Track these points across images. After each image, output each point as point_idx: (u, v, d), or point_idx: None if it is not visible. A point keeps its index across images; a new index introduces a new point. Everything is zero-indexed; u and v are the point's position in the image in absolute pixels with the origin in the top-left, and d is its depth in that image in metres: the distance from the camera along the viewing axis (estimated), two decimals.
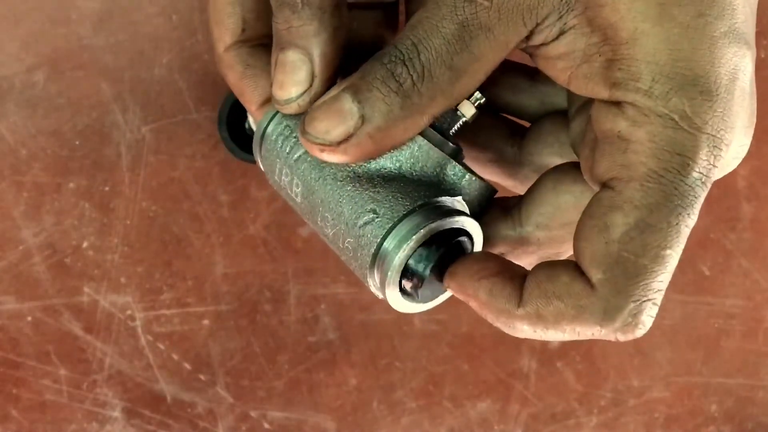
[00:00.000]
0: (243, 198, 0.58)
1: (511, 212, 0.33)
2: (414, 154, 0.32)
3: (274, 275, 0.59)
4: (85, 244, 0.57)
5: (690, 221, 0.28)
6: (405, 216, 0.30)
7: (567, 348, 0.61)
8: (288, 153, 0.33)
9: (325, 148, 0.30)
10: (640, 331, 0.28)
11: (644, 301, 0.28)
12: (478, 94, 0.32)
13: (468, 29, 0.29)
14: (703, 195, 0.28)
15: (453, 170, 0.32)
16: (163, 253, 0.58)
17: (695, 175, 0.28)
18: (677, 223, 0.28)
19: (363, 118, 0.30)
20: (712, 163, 0.28)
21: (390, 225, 0.30)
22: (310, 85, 0.31)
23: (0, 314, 0.57)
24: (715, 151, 0.28)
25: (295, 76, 0.31)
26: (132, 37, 0.56)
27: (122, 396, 0.58)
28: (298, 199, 0.34)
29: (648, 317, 0.28)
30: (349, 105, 0.30)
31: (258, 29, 0.34)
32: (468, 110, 0.32)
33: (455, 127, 0.32)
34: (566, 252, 0.33)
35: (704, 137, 0.28)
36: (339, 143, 0.30)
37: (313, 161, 0.32)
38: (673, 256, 0.28)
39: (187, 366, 0.59)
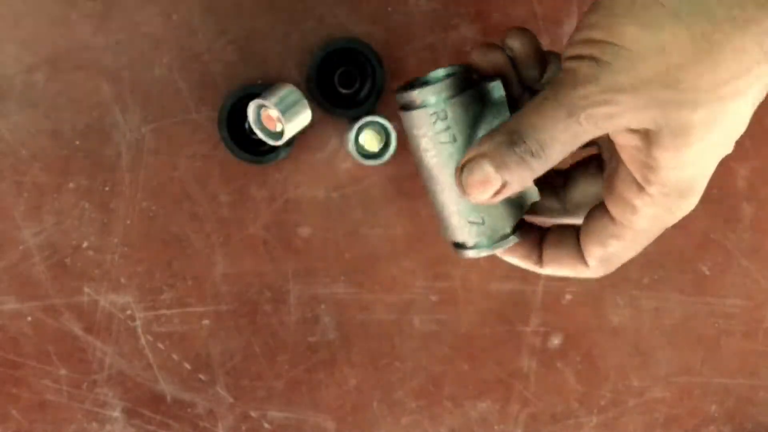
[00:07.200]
0: (243, 198, 0.58)
1: (557, 192, 0.46)
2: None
3: (274, 275, 0.59)
4: (85, 244, 0.57)
5: None
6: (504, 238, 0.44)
7: (567, 348, 0.61)
8: (437, 132, 0.42)
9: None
10: None
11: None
12: None
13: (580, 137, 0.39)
14: None
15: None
16: (163, 253, 0.58)
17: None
18: None
19: (506, 183, 0.40)
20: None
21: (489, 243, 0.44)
22: None
23: (0, 314, 0.57)
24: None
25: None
26: (132, 37, 0.56)
27: (122, 396, 0.58)
28: (422, 163, 0.43)
29: None
30: (494, 175, 0.40)
31: None
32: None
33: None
34: (583, 215, 0.45)
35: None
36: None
37: (448, 153, 0.43)
38: None
39: (187, 366, 0.59)
